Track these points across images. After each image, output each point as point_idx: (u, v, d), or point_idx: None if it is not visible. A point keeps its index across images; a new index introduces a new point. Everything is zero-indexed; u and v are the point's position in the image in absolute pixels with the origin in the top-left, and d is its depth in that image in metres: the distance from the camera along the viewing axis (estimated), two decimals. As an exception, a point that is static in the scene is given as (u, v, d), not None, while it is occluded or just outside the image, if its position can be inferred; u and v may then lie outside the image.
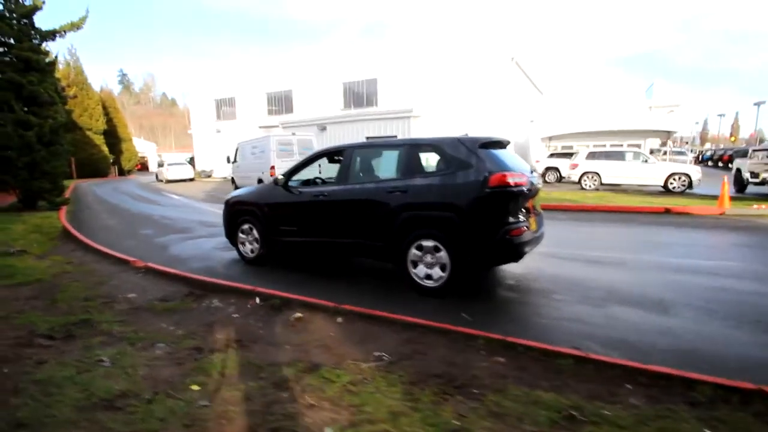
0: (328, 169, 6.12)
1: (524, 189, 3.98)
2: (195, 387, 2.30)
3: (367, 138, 18.06)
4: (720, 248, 6.34)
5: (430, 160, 4.48)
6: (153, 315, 3.68)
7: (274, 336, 3.16)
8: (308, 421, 2.01)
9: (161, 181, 24.95)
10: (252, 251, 5.59)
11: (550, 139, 23.35)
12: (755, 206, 9.03)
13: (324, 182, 5.56)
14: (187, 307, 3.86)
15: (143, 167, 44.88)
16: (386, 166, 4.63)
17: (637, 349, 2.90)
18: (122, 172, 35.53)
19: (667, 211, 9.12)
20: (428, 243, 4.12)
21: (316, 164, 5.50)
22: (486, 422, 2.04)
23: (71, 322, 3.37)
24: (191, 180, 25.28)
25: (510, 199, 3.89)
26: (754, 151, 11.36)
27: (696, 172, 12.90)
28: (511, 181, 3.85)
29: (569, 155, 18.39)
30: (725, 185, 9.05)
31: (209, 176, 28.52)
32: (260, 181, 13.53)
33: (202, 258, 6.07)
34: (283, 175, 5.17)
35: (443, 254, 4.04)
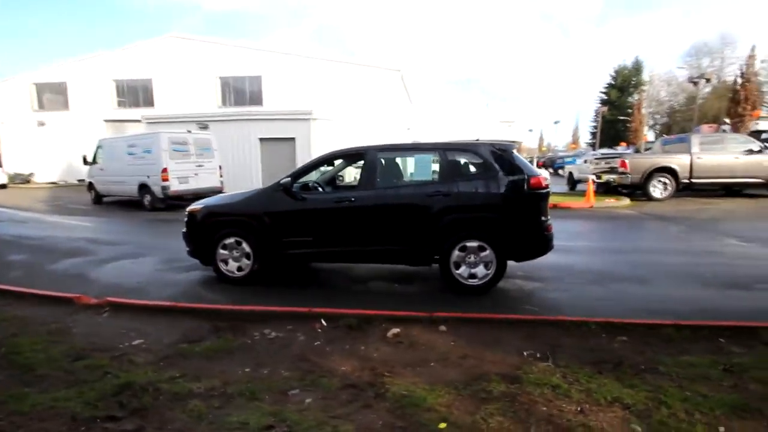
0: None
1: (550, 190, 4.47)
2: (442, 426, 1.91)
3: (260, 139, 16.74)
4: (623, 231, 8.16)
5: (466, 163, 4.57)
6: (205, 360, 2.82)
7: (400, 357, 2.81)
8: (607, 422, 1.94)
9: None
10: (240, 269, 4.71)
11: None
12: (607, 201, 11.85)
13: (338, 187, 5.07)
14: (239, 344, 3.07)
15: None
16: (420, 170, 4.53)
17: (667, 311, 3.62)
18: None
19: (555, 206, 11.18)
20: (472, 243, 4.22)
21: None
22: (680, 391, 2.29)
23: (108, 392, 2.33)
24: (2, 187, 19.01)
25: (545, 199, 4.31)
26: (596, 158, 14.82)
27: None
28: (544, 182, 4.27)
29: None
30: (591, 185, 11.61)
31: (27, 181, 21.90)
32: (144, 186, 11.26)
33: (161, 283, 4.82)
34: (288, 179, 4.50)
35: (488, 253, 4.21)
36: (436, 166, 4.40)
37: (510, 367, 2.58)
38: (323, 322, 3.40)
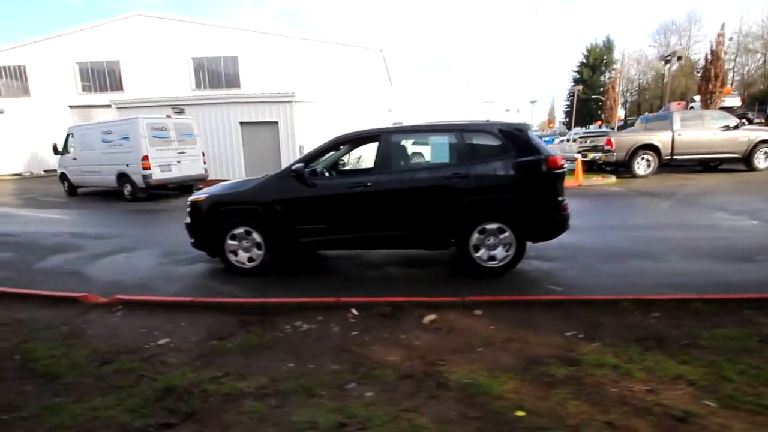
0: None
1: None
2: (520, 413, 1.87)
3: (241, 123, 16.13)
4: (617, 208, 8.35)
5: (482, 144, 4.48)
6: (242, 357, 2.69)
7: (445, 344, 2.76)
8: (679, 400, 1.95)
9: None
10: (251, 259, 4.53)
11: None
12: (594, 178, 12.10)
13: (348, 172, 4.89)
14: (272, 338, 2.94)
15: None
16: (436, 152, 4.41)
17: (685, 285, 3.74)
18: None
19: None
20: (492, 225, 4.19)
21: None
22: (732, 364, 2.34)
23: (150, 397, 2.18)
24: (-41, 180, 17.71)
25: (561, 178, 4.30)
26: (580, 137, 15.07)
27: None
28: (561, 162, 4.26)
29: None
30: (579, 163, 11.80)
31: (-14, 174, 20.46)
32: (123, 175, 10.71)
33: (166, 278, 4.60)
34: (301, 165, 4.31)
35: (508, 234, 4.19)
36: (452, 148, 4.29)
37: (559, 349, 2.58)
38: (354, 311, 3.31)
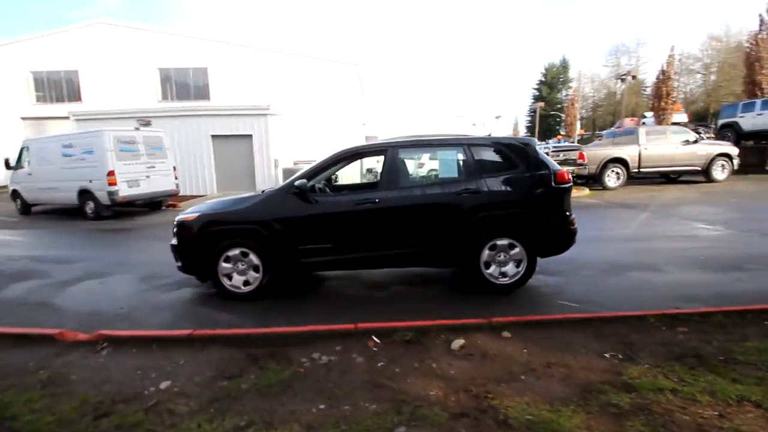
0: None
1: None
2: None
3: (213, 136, 15.51)
4: (600, 220, 8.55)
5: (491, 158, 4.40)
6: (262, 399, 2.38)
7: (483, 372, 2.57)
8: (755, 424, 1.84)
9: None
10: (247, 283, 4.19)
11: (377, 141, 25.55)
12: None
13: (355, 187, 4.66)
14: (290, 375, 2.65)
15: None
16: (445, 167, 4.28)
17: (692, 297, 3.81)
18: None
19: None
20: (503, 242, 4.10)
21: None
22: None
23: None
24: None
25: (569, 193, 4.29)
26: (552, 151, 15.56)
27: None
28: (568, 177, 4.25)
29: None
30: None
31: None
32: (85, 192, 9.94)
33: (150, 307, 4.17)
34: (303, 181, 4.05)
35: (518, 250, 4.11)
36: (461, 163, 4.19)
37: (606, 373, 2.46)
38: (375, 338, 3.07)
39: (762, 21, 20.72)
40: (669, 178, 14.05)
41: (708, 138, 16.97)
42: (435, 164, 4.60)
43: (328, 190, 4.76)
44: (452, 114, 35.36)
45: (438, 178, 4.23)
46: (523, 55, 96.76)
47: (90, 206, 10.11)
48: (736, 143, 15.02)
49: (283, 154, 16.13)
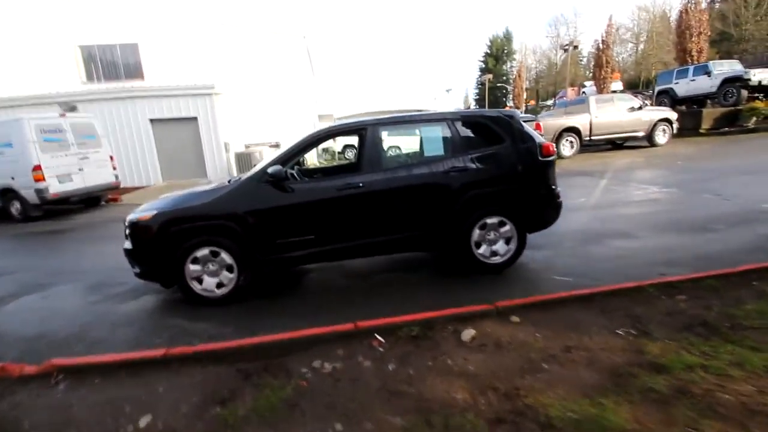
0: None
1: None
2: None
3: (152, 120, 14.12)
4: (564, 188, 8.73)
5: (476, 133, 4.18)
6: (268, 427, 2.07)
7: (503, 364, 2.42)
8: None
9: None
10: (220, 285, 3.77)
11: (335, 119, 24.78)
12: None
13: (332, 171, 4.25)
14: (293, 391, 2.34)
15: None
16: (430, 145, 4.00)
17: (675, 261, 3.93)
18: None
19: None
20: (492, 220, 3.97)
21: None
22: None
23: None
24: None
25: (554, 165, 4.20)
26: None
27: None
28: (553, 149, 4.15)
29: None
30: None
31: None
32: (9, 191, 8.70)
33: (108, 322, 3.64)
34: (278, 167, 3.61)
35: (508, 228, 4.00)
36: (446, 140, 3.94)
37: (628, 353, 2.39)
38: (379, 337, 2.82)
39: (690, -9, 21.94)
40: (615, 144, 14.77)
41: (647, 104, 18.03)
42: (413, 142, 4.31)
43: (308, 176, 4.36)
44: (403, 89, 35.03)
45: (423, 156, 3.95)
46: (469, 28, 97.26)
47: (16, 207, 8.85)
48: (672, 108, 16.02)
49: (234, 137, 15.10)
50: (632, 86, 41.66)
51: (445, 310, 3.03)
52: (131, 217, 3.80)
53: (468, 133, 4.01)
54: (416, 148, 4.28)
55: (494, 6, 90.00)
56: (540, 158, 4.00)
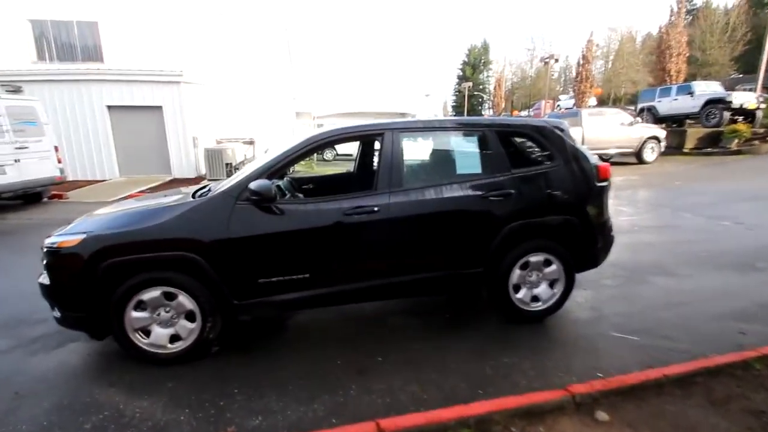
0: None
1: None
2: None
3: (109, 107, 12.57)
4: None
5: (521, 148, 3.35)
6: None
7: None
8: None
9: None
10: (176, 338, 2.74)
11: (314, 118, 23.66)
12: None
13: (334, 187, 3.28)
14: None
15: None
16: (464, 160, 3.11)
17: (743, 312, 3.22)
18: None
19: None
20: (537, 258, 3.15)
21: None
22: None
23: None
24: None
25: (608, 192, 3.43)
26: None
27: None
28: (610, 172, 3.39)
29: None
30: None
31: None
32: None
33: (19, 389, 2.52)
34: (263, 181, 2.62)
35: (555, 268, 3.20)
36: (484, 155, 3.09)
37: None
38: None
39: (671, 11, 22.42)
40: (603, 159, 14.47)
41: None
42: (442, 155, 3.41)
43: (291, 190, 3.38)
44: (382, 92, 34.22)
45: (456, 174, 3.06)
46: (448, 36, 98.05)
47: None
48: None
49: (204, 131, 13.73)
50: (602, 102, 42.71)
51: (503, 398, 2.15)
52: (50, 240, 2.70)
53: (511, 146, 3.18)
54: (442, 162, 3.39)
55: (473, 17, 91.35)
56: (597, 183, 3.22)
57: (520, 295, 3.17)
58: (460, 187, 2.96)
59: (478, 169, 3.06)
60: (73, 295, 2.64)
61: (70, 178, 12.12)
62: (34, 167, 8.35)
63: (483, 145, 3.09)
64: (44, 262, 2.71)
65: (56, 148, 8.92)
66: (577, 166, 3.18)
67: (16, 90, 11.76)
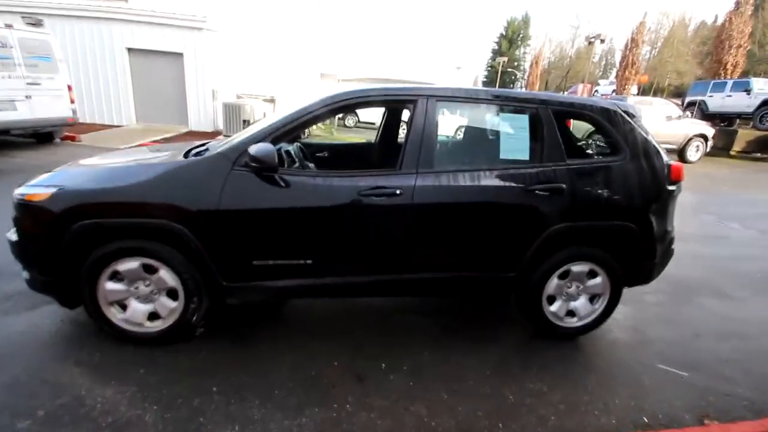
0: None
1: None
2: None
3: (129, 49, 12.12)
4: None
5: (581, 136, 2.80)
6: None
7: None
8: None
9: None
10: (155, 317, 2.39)
11: (338, 81, 22.83)
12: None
13: (348, 153, 2.82)
14: None
15: None
16: (508, 142, 2.58)
17: None
18: None
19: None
20: (580, 267, 2.66)
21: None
22: None
23: None
24: None
25: (677, 196, 2.87)
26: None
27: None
28: (683, 173, 2.82)
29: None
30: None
31: None
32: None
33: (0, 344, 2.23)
34: (265, 145, 2.17)
35: (599, 281, 2.71)
36: (535, 139, 2.55)
37: None
38: None
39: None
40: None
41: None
42: (483, 132, 2.89)
43: (301, 158, 2.93)
44: (412, 61, 32.72)
45: (498, 160, 2.52)
46: (486, 6, 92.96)
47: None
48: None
49: (224, 84, 13.20)
50: (643, 92, 40.29)
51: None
52: (19, 191, 2.34)
53: (570, 132, 2.63)
54: (482, 143, 2.86)
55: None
56: (667, 185, 2.67)
57: (554, 308, 2.72)
58: (502, 176, 2.46)
59: (526, 155, 2.53)
60: (41, 257, 2.29)
61: (87, 121, 11.90)
62: (46, 106, 8.04)
63: (535, 125, 2.54)
64: (14, 217, 2.36)
65: (69, 87, 8.56)
66: (647, 162, 2.63)
67: (37, 23, 11.33)
